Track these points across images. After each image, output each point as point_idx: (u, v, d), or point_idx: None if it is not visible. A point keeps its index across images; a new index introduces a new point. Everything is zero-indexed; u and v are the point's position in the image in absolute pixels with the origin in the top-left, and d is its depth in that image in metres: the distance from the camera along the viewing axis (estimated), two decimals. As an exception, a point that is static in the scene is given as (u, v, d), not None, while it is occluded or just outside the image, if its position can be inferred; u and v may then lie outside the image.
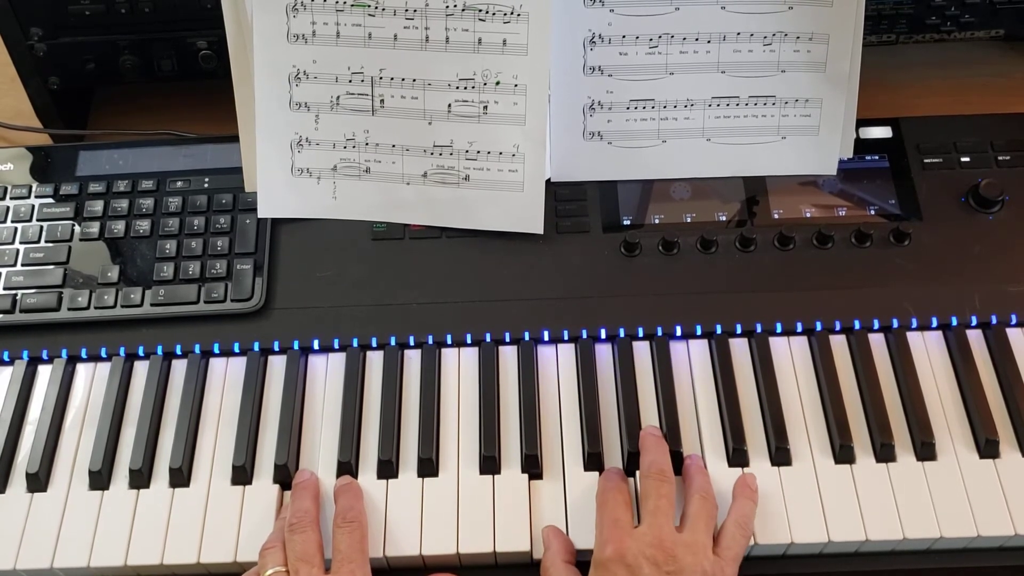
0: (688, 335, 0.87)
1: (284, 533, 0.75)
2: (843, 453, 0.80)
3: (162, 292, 0.88)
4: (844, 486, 0.79)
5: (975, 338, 0.86)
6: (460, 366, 0.86)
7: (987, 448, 0.80)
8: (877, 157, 0.94)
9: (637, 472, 0.78)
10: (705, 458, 0.80)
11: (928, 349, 0.86)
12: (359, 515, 0.76)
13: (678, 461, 0.80)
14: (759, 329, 0.86)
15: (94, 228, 0.92)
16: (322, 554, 0.74)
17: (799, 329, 0.86)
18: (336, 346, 0.87)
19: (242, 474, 0.81)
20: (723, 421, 0.82)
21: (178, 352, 0.87)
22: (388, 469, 0.80)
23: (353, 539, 0.75)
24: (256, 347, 0.87)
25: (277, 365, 0.87)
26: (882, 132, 0.96)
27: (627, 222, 0.92)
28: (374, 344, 0.87)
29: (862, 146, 0.94)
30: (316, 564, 0.73)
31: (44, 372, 0.87)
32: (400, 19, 0.87)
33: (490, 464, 0.80)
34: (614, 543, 0.72)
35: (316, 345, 0.87)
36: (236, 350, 0.87)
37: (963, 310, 0.86)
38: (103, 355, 0.87)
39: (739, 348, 0.86)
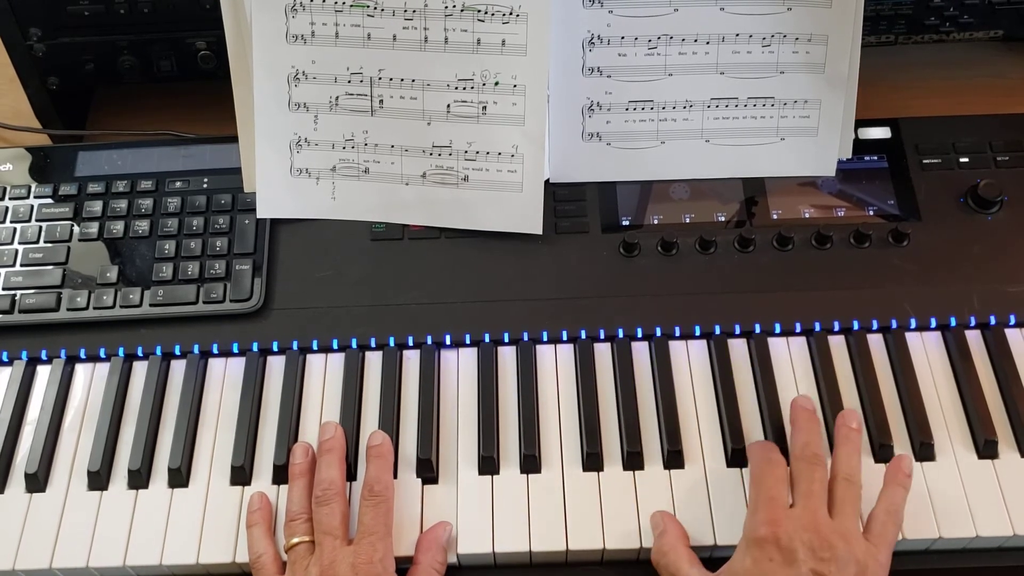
0: (687, 336, 0.86)
1: (311, 503, 0.77)
2: (842, 454, 0.80)
3: (161, 292, 0.88)
4: (843, 486, 0.79)
5: (974, 338, 0.86)
6: (459, 366, 0.86)
7: (986, 449, 0.80)
8: (876, 158, 0.94)
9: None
10: (704, 458, 0.80)
11: (927, 350, 0.86)
12: (385, 488, 0.77)
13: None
14: (758, 330, 0.86)
15: (93, 228, 0.92)
16: (347, 524, 0.76)
17: (798, 330, 0.86)
18: (335, 346, 0.87)
19: (241, 474, 0.81)
20: (722, 421, 0.82)
21: (177, 352, 0.87)
22: (387, 469, 0.81)
23: (378, 512, 0.76)
24: (255, 347, 0.87)
25: (276, 365, 0.87)
26: (881, 133, 0.96)
27: (626, 222, 0.92)
28: (373, 344, 0.87)
29: (861, 147, 0.94)
30: (340, 536, 0.75)
31: (43, 372, 0.87)
32: (399, 19, 0.87)
33: (489, 464, 0.80)
34: (770, 524, 0.71)
35: (315, 345, 0.87)
36: (235, 350, 0.87)
37: (962, 311, 0.86)
38: (102, 355, 0.87)
39: (738, 349, 0.86)
